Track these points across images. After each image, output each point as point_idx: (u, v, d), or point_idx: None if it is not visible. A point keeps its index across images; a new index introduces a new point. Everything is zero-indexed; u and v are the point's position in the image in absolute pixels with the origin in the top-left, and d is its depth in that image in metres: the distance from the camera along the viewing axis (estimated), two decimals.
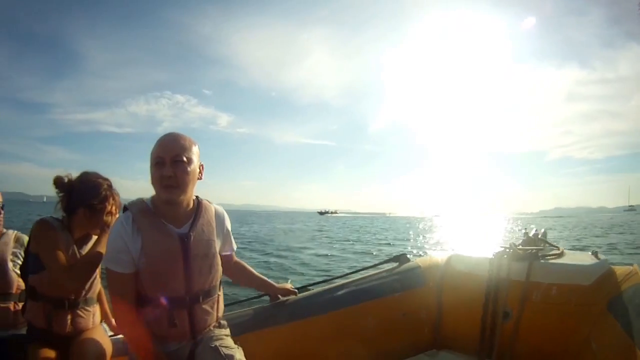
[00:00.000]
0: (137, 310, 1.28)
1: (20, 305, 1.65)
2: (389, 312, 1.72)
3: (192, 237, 1.31)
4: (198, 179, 1.35)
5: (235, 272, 1.63)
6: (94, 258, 1.45)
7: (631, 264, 1.59)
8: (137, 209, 1.31)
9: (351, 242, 16.70)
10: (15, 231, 1.84)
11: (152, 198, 1.34)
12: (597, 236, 19.12)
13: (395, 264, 1.93)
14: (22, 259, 1.73)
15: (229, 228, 1.50)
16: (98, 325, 1.61)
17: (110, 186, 1.54)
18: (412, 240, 17.88)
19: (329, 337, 1.65)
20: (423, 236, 21.59)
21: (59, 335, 1.46)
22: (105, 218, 1.51)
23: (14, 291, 1.70)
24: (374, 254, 12.04)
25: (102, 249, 1.42)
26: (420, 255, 2.01)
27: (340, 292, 1.77)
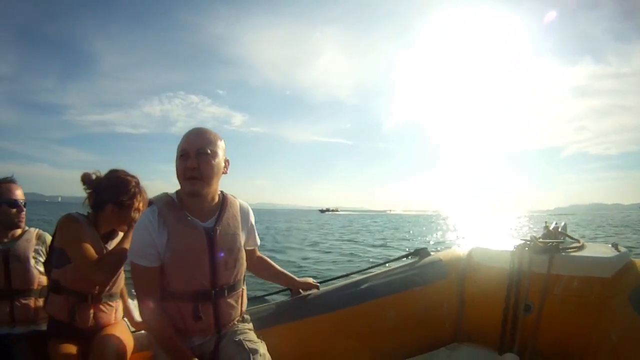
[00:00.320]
0: (161, 305, 1.28)
1: (41, 301, 1.65)
2: (410, 306, 1.72)
3: (217, 231, 1.31)
4: (223, 173, 1.35)
5: (258, 267, 1.66)
6: (121, 252, 1.46)
7: None
8: (162, 203, 1.30)
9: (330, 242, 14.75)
10: (37, 229, 1.85)
11: (177, 192, 1.34)
12: (609, 235, 18.35)
13: (415, 258, 1.93)
14: (44, 256, 1.74)
15: (253, 223, 1.51)
16: (120, 320, 1.62)
17: (138, 183, 1.57)
18: (411, 241, 16.61)
19: (350, 331, 1.65)
20: (429, 235, 20.65)
21: (81, 329, 1.47)
22: (132, 214, 1.53)
23: (35, 287, 1.70)
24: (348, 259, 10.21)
25: (128, 245, 1.42)
26: (437, 251, 2.00)
27: (361, 287, 1.76)
